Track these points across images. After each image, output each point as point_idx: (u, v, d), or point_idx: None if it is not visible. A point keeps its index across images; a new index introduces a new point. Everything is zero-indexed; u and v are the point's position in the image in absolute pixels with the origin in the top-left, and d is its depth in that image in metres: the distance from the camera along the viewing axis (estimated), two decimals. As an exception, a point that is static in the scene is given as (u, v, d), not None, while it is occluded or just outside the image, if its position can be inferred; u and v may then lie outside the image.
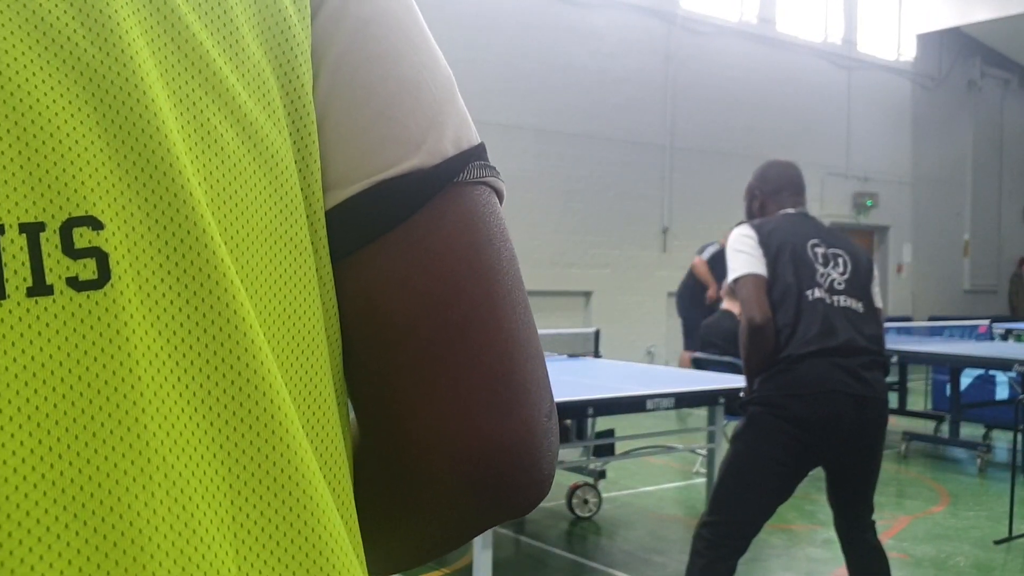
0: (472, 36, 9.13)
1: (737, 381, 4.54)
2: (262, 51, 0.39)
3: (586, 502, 4.61)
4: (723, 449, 4.36)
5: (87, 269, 0.32)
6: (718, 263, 7.82)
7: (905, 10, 13.87)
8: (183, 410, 0.33)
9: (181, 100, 0.36)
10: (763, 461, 2.55)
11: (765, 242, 2.55)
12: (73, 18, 0.34)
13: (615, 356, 6.55)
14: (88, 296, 0.32)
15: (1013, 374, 5.77)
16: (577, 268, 9.98)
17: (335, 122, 0.42)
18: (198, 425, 0.33)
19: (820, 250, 2.57)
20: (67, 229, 0.32)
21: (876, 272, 2.72)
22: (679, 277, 10.49)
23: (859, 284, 2.57)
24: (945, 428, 6.57)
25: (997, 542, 4.29)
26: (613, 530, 4.50)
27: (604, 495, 4.74)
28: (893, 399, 7.78)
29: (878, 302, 2.65)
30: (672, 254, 10.70)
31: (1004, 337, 8.65)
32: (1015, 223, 15.84)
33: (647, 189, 10.72)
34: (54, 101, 0.33)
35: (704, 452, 4.44)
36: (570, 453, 4.61)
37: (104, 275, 0.32)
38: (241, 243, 0.36)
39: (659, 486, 5.23)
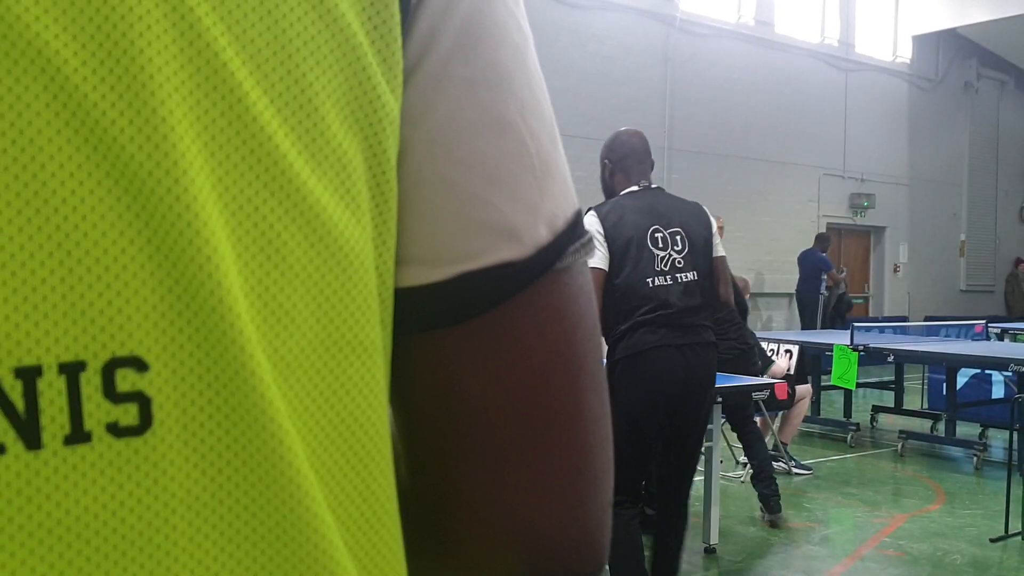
0: (471, 38, 9.13)
1: (735, 380, 4.57)
2: (345, 126, 0.35)
3: (585, 500, 4.60)
4: (720, 447, 4.38)
5: (128, 414, 0.30)
6: None
7: (902, 12, 13.91)
8: (224, 564, 0.32)
9: (240, 208, 0.32)
10: (620, 422, 2.93)
11: (611, 235, 2.88)
12: (118, 109, 0.29)
13: (614, 356, 6.56)
14: (127, 443, 0.30)
15: (1009, 373, 5.81)
16: (575, 269, 9.99)
17: (425, 199, 0.37)
18: None
19: (660, 235, 2.94)
20: (110, 370, 0.29)
21: (714, 225, 3.12)
22: (677, 278, 10.53)
23: (695, 253, 2.99)
24: (941, 427, 6.60)
25: (993, 540, 4.31)
26: (612, 528, 4.52)
27: (603, 493, 4.75)
28: (889, 398, 7.82)
29: (718, 252, 3.08)
30: (670, 255, 10.71)
31: (1000, 337, 8.69)
32: (1011, 224, 15.88)
33: (645, 190, 10.74)
34: (101, 217, 0.29)
35: (702, 450, 4.46)
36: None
37: (146, 421, 0.30)
38: (293, 361, 0.34)
39: (658, 485, 5.24)
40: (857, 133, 13.24)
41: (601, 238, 2.88)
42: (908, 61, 14.09)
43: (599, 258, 2.86)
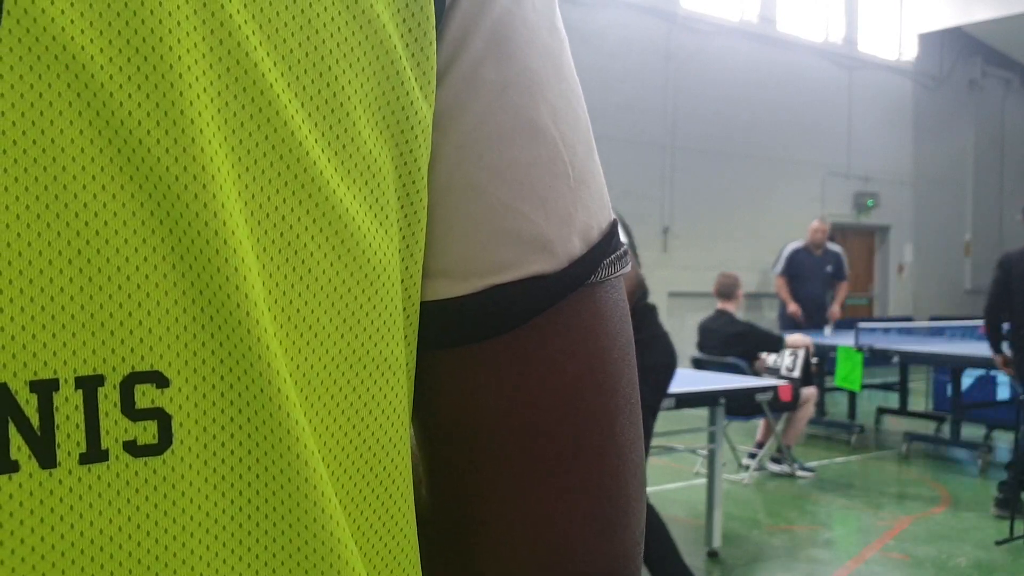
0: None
1: (737, 381, 4.53)
2: (376, 132, 0.33)
3: (586, 503, 4.59)
4: (724, 450, 4.35)
5: (147, 432, 0.29)
6: (795, 264, 7.33)
7: (906, 9, 13.86)
8: None
9: (266, 217, 0.31)
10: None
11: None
12: (144, 110, 0.28)
13: (615, 356, 6.53)
14: (146, 463, 0.29)
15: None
16: (578, 268, 9.95)
17: (453, 207, 0.36)
18: None
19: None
20: (128, 385, 0.29)
21: None
22: (680, 277, 10.48)
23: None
24: (946, 428, 6.56)
25: (998, 543, 4.28)
26: (613, 531, 4.49)
27: (604, 496, 4.72)
28: (894, 399, 7.78)
29: None
30: (673, 254, 10.69)
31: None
32: (1016, 223, 15.81)
33: (648, 189, 10.71)
34: (123, 224, 0.28)
35: (705, 453, 4.43)
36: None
37: (165, 440, 0.29)
38: (315, 378, 0.32)
39: (659, 486, 5.22)
40: (861, 132, 13.19)
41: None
42: (912, 59, 14.04)
43: None
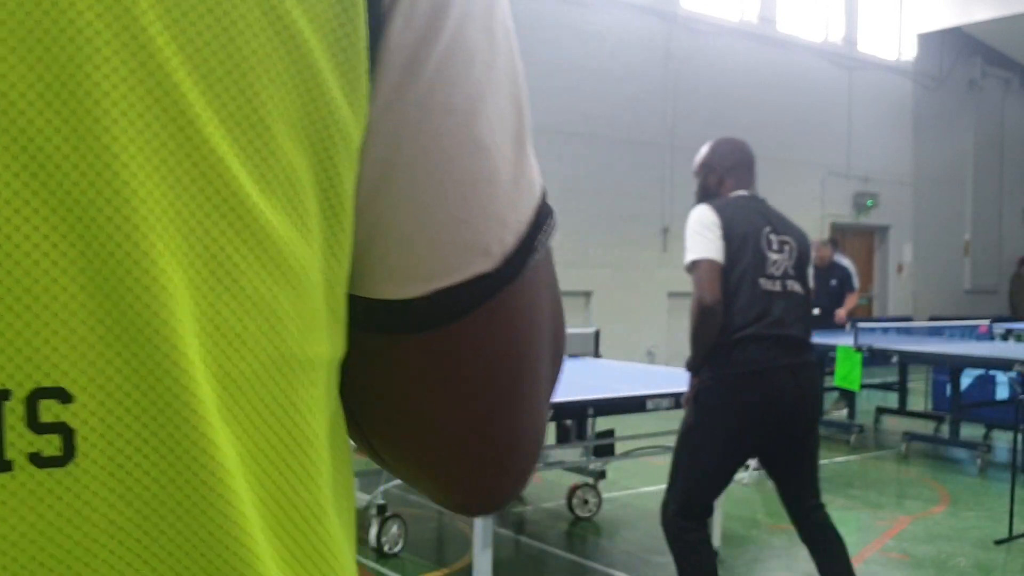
0: (472, 36, 9.10)
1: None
2: (295, 144, 0.35)
3: (586, 502, 4.61)
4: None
5: (51, 445, 0.30)
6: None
7: (906, 10, 13.87)
8: None
9: (191, 232, 0.32)
10: (713, 436, 2.80)
11: (728, 230, 2.78)
12: (62, 135, 0.30)
13: (615, 356, 6.55)
14: (50, 474, 0.30)
15: (1013, 374, 5.77)
16: (577, 268, 9.97)
17: (405, 220, 0.39)
18: None
19: (774, 238, 2.85)
20: (33, 400, 0.30)
21: (812, 254, 3.03)
22: (680, 277, 10.46)
23: (802, 268, 2.89)
24: (945, 428, 6.57)
25: (998, 542, 4.29)
26: (613, 530, 4.50)
27: (604, 495, 4.73)
28: (893, 399, 7.78)
29: (811, 283, 2.98)
30: (672, 254, 10.68)
31: (1004, 337, 8.64)
32: (1016, 223, 15.83)
33: (647, 188, 10.71)
34: (35, 246, 0.30)
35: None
36: (570, 453, 4.60)
37: (69, 452, 0.31)
38: (245, 383, 0.34)
39: (659, 486, 5.21)
40: (861, 132, 13.19)
41: (718, 231, 2.76)
42: (912, 59, 14.04)
43: (715, 249, 2.74)
